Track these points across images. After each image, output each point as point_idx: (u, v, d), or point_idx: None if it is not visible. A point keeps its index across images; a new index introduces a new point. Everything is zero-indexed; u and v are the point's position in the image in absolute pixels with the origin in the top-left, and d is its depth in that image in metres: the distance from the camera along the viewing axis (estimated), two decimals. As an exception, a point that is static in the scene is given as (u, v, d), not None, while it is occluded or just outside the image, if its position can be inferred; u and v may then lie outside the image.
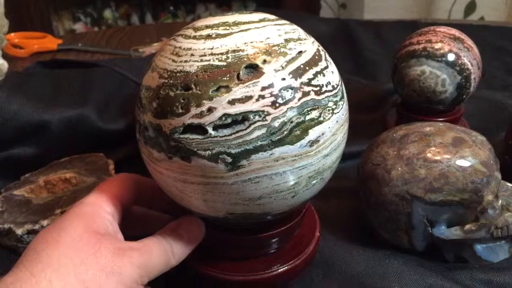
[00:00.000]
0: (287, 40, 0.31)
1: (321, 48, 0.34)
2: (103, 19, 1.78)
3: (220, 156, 0.29)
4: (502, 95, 0.70)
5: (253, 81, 0.28)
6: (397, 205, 0.40)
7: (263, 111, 0.28)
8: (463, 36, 0.54)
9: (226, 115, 0.28)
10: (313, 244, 0.39)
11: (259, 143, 0.28)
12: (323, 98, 0.30)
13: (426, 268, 0.41)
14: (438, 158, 0.39)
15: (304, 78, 0.30)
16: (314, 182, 0.32)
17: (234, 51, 0.29)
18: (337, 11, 1.65)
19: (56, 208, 0.44)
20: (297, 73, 0.30)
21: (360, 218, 0.46)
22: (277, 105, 0.28)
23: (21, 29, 0.91)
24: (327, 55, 0.34)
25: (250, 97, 0.28)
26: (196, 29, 0.31)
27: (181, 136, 0.29)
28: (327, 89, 0.31)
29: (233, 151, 0.28)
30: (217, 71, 0.28)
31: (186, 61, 0.30)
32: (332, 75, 0.32)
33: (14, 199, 0.46)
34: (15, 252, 0.43)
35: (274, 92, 0.28)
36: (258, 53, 0.29)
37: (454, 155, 0.39)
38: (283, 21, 0.33)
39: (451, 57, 0.52)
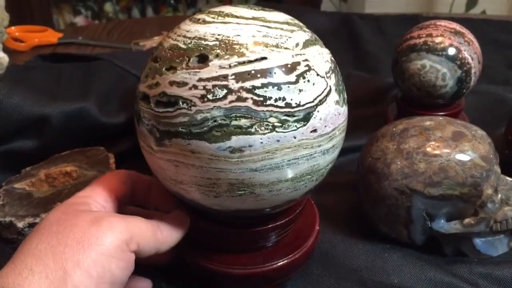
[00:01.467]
0: (256, 43, 0.29)
1: (312, 65, 0.30)
2: (104, 12, 1.77)
3: (153, 129, 0.31)
4: (503, 89, 0.70)
5: (195, 70, 0.29)
6: (397, 199, 0.40)
7: (191, 101, 0.29)
8: (463, 30, 0.54)
9: (164, 94, 0.30)
10: (313, 237, 0.39)
11: (180, 129, 0.29)
12: (262, 111, 0.28)
13: (425, 262, 0.41)
14: (437, 152, 0.39)
15: (248, 84, 0.28)
16: (240, 192, 0.31)
17: (199, 38, 0.30)
18: (338, 5, 1.64)
19: (56, 202, 0.44)
20: (243, 76, 0.28)
21: (359, 212, 0.46)
22: (205, 99, 0.28)
23: (21, 22, 0.91)
24: (309, 74, 0.30)
25: (186, 84, 0.29)
26: (202, 13, 0.32)
27: (139, 101, 0.32)
28: (276, 104, 0.29)
29: (161, 128, 0.30)
30: (176, 52, 0.30)
31: (170, 38, 0.32)
32: (297, 94, 0.29)
33: (15, 192, 0.47)
34: (15, 244, 0.43)
35: (207, 86, 0.28)
36: (216, 46, 0.29)
37: (453, 149, 0.39)
38: (285, 26, 0.31)
39: (451, 51, 0.52)
